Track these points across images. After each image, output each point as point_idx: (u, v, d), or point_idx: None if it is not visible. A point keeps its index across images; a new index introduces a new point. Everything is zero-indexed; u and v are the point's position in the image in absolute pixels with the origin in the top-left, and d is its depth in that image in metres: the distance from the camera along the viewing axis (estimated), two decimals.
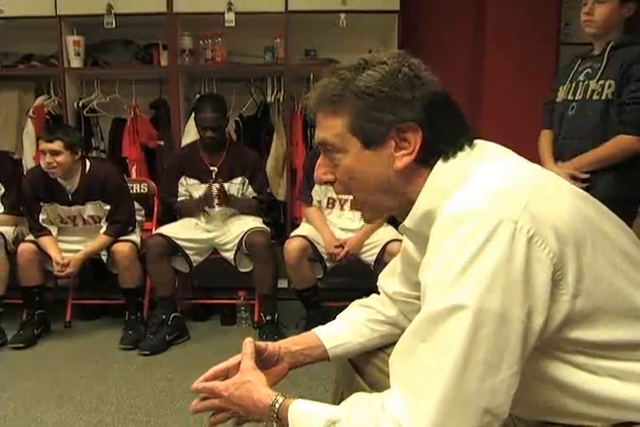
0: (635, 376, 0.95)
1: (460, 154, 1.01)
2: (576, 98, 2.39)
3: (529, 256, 0.87)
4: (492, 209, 0.89)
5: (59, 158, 3.05)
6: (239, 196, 3.42)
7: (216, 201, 3.28)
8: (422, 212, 1.02)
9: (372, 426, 0.89)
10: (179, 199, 3.43)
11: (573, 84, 2.42)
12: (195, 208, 3.40)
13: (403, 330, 1.28)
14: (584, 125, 2.35)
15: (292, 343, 1.28)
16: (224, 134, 3.43)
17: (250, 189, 3.45)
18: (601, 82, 2.30)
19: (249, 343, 1.18)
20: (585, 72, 2.39)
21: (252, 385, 1.08)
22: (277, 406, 1.02)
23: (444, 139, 1.01)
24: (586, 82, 2.36)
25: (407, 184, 1.04)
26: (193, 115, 3.69)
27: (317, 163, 1.10)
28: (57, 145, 3.04)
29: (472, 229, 0.88)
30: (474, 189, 0.94)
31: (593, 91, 2.32)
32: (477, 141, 1.05)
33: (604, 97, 2.29)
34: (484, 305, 0.85)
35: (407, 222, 1.06)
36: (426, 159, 1.02)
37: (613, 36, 2.34)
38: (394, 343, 1.28)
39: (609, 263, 0.94)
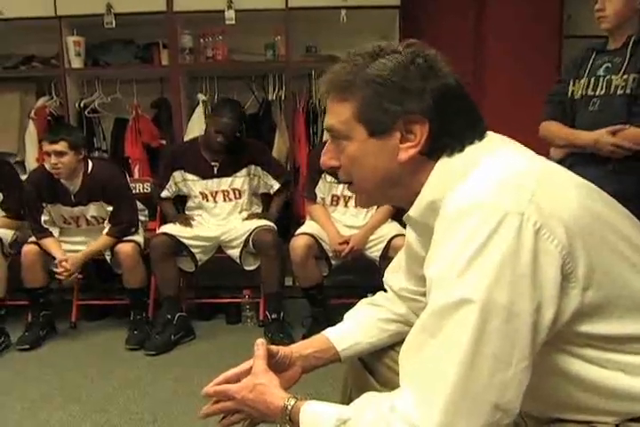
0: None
1: (467, 148, 1.00)
2: (597, 93, 2.32)
3: (536, 249, 0.85)
4: (498, 201, 0.88)
5: (63, 159, 3.05)
6: (245, 188, 3.42)
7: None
8: (427, 202, 1.01)
9: (382, 426, 0.88)
10: (163, 193, 3.44)
11: (592, 80, 2.35)
12: (172, 219, 3.42)
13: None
14: (610, 121, 2.28)
15: (304, 347, 1.27)
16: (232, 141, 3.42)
17: (258, 179, 3.46)
18: (624, 76, 2.25)
19: (261, 345, 1.17)
20: (604, 66, 2.33)
21: (265, 387, 1.07)
22: (290, 408, 1.01)
23: (451, 133, 1.00)
24: (607, 77, 2.30)
25: (412, 176, 1.02)
26: (196, 114, 3.70)
27: (324, 148, 1.09)
28: (61, 146, 3.04)
29: (478, 221, 0.86)
30: (478, 182, 0.93)
31: (617, 86, 2.27)
32: (487, 133, 1.04)
33: (628, 91, 2.24)
34: (491, 299, 0.84)
35: (412, 212, 1.05)
36: (431, 152, 1.00)
37: (631, 28, 2.30)
38: (404, 341, 1.28)
39: (618, 255, 0.93)
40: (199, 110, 3.80)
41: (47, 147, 3.06)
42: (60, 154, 3.04)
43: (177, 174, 3.41)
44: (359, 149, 1.03)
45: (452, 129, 1.00)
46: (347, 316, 1.35)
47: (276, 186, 3.49)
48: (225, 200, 3.42)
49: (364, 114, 1.00)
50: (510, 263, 0.85)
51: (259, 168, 3.44)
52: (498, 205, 0.87)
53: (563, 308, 0.88)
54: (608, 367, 0.93)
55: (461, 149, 1.00)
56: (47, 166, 3.09)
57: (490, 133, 1.05)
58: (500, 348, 0.84)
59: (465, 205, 0.89)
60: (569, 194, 0.93)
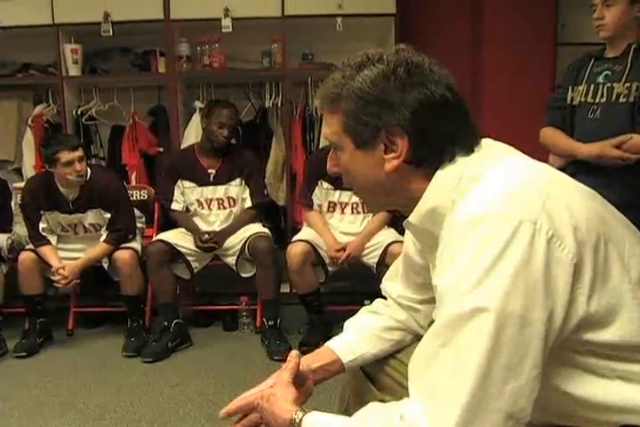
0: None
1: (467, 157, 1.00)
2: (597, 101, 2.32)
3: (549, 257, 0.86)
4: (511, 210, 0.88)
5: (84, 164, 3.10)
6: (239, 197, 3.42)
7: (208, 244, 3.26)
8: (427, 209, 1.02)
9: None
10: (173, 205, 3.41)
11: (591, 87, 2.34)
12: (187, 229, 3.38)
13: (414, 335, 1.26)
14: (612, 129, 2.27)
15: (311, 361, 1.25)
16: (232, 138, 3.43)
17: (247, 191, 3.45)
18: (627, 84, 2.24)
19: (294, 358, 1.16)
20: (604, 74, 2.33)
21: (276, 399, 1.08)
22: (298, 421, 1.01)
23: (431, 145, 1.00)
24: (608, 84, 2.29)
25: (404, 184, 1.04)
26: (193, 121, 3.70)
27: (329, 155, 1.13)
28: (81, 151, 3.09)
29: (491, 231, 0.87)
30: (487, 191, 0.93)
31: (619, 94, 2.26)
32: (485, 141, 1.04)
33: (631, 99, 2.24)
34: (506, 308, 0.84)
35: (411, 218, 1.06)
36: (417, 163, 1.01)
37: (631, 36, 2.30)
38: (404, 349, 1.27)
39: (620, 262, 0.93)
40: (196, 118, 3.80)
41: (70, 155, 3.02)
42: (81, 159, 3.08)
43: (179, 184, 3.41)
44: (350, 160, 1.05)
45: (433, 141, 1.00)
46: (347, 325, 1.34)
47: (248, 203, 3.43)
48: (219, 208, 3.42)
49: (349, 127, 1.02)
50: (524, 272, 0.85)
51: (243, 180, 3.43)
52: (511, 214, 0.88)
53: (570, 315, 0.88)
54: (608, 376, 0.94)
55: (442, 166, 1.00)
56: (70, 176, 3.06)
57: (490, 141, 1.05)
58: (513, 357, 0.85)
59: (477, 215, 0.90)
60: (577, 201, 0.94)
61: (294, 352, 1.18)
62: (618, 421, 0.95)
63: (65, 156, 3.03)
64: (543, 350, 0.86)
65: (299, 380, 1.18)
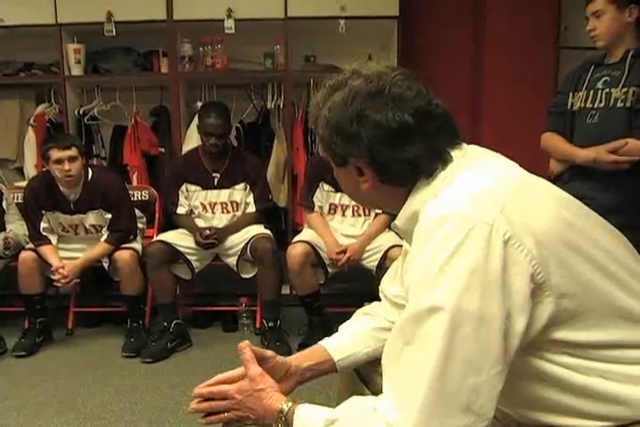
0: (621, 376, 0.95)
1: (429, 179, 1.04)
2: (596, 106, 2.34)
3: (506, 258, 0.88)
4: (469, 212, 0.91)
5: (76, 164, 3.07)
6: (243, 202, 3.42)
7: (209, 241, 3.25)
8: (410, 213, 1.05)
9: (364, 426, 0.92)
10: (178, 210, 3.41)
11: (591, 92, 2.36)
12: (189, 230, 3.37)
13: None
14: (610, 133, 2.28)
15: (302, 360, 1.28)
16: (227, 142, 3.44)
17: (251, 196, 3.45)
18: (624, 89, 2.26)
19: (246, 348, 1.16)
20: (603, 80, 2.35)
21: (265, 393, 1.10)
22: (286, 410, 1.05)
23: (395, 174, 1.04)
24: (606, 90, 2.31)
25: (386, 198, 1.09)
26: (195, 122, 3.70)
27: None
28: (74, 151, 3.07)
29: (449, 231, 0.90)
30: (454, 192, 0.97)
31: (616, 99, 2.28)
32: (467, 147, 1.07)
33: (628, 104, 2.26)
34: (461, 306, 0.87)
35: (397, 221, 1.10)
36: (391, 184, 1.06)
37: (629, 41, 2.31)
38: None
39: (593, 265, 0.95)
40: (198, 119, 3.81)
41: (59, 153, 3.04)
42: (72, 159, 3.06)
43: (183, 188, 3.41)
44: (335, 171, 1.12)
45: (395, 170, 1.03)
46: (342, 327, 1.37)
47: (252, 208, 3.43)
48: (223, 212, 3.42)
49: (326, 149, 1.09)
50: (480, 271, 0.88)
51: (248, 185, 3.43)
52: (468, 215, 0.91)
53: (537, 315, 0.91)
54: (588, 374, 0.95)
55: (420, 181, 1.03)
56: (59, 174, 3.07)
57: (471, 147, 1.07)
58: (471, 353, 0.87)
59: (438, 216, 0.93)
60: (543, 206, 0.97)
61: (243, 343, 1.16)
62: (618, 416, 0.95)
63: (55, 153, 3.05)
64: (504, 348, 0.88)
65: (275, 373, 1.19)
